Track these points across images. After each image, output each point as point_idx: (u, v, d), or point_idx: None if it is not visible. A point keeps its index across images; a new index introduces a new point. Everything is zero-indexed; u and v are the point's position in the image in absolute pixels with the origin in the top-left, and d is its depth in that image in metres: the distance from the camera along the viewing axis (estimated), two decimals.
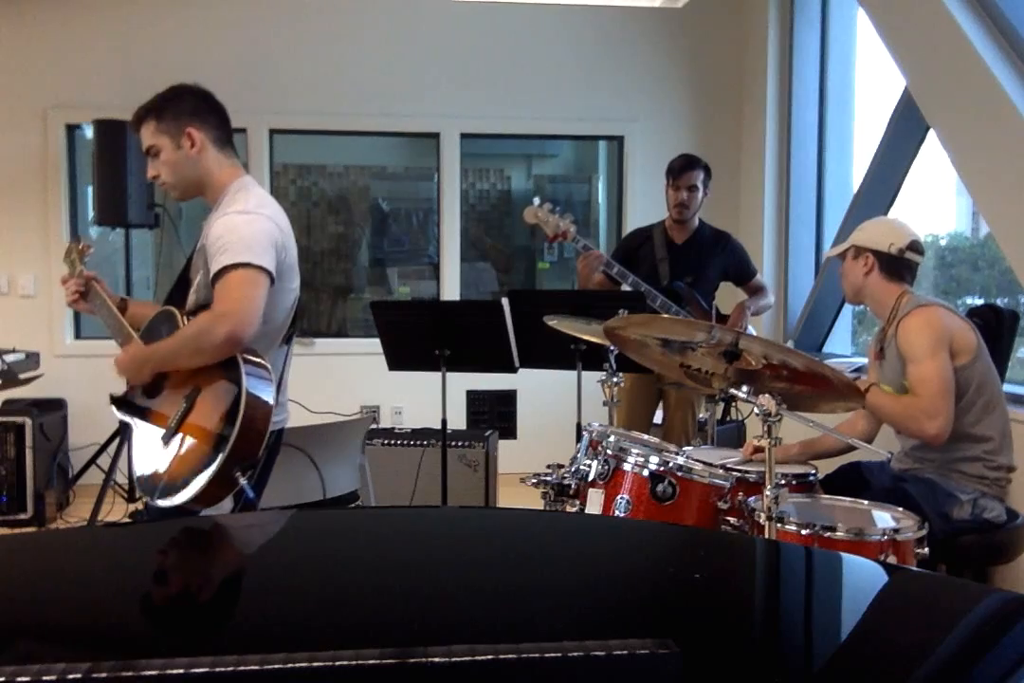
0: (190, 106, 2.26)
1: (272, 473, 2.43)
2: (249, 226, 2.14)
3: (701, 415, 4.04)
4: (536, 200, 3.78)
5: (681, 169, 3.87)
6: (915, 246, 2.71)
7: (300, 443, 2.89)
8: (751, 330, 3.95)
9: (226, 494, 2.05)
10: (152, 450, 2.16)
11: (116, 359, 2.26)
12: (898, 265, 2.70)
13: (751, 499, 2.34)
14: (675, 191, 3.88)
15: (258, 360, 2.12)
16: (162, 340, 2.19)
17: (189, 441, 2.09)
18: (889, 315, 2.71)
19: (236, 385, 2.04)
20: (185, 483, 2.03)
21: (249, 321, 2.05)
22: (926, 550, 2.23)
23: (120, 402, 2.33)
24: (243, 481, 2.01)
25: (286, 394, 2.40)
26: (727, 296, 4.12)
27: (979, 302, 4.27)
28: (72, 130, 5.29)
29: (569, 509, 2.72)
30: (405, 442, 3.96)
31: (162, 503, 2.07)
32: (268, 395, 2.07)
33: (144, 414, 2.24)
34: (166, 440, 2.12)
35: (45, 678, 0.84)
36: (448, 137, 5.52)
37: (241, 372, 2.04)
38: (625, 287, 3.78)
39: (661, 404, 4.04)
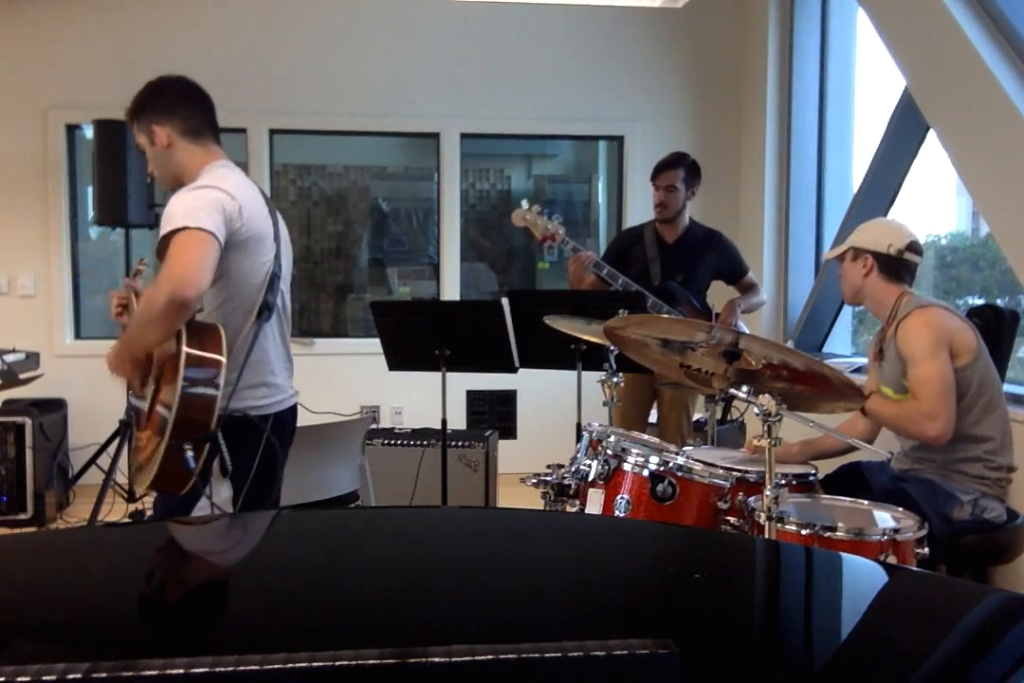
0: (159, 103, 2.32)
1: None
2: (192, 196, 2.16)
3: (700, 415, 4.04)
4: (524, 203, 3.77)
5: (660, 169, 3.89)
6: (914, 247, 2.71)
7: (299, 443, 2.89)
8: (743, 327, 3.96)
9: (182, 469, 2.02)
10: (137, 439, 2.20)
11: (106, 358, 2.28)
12: (897, 266, 2.70)
13: (751, 499, 2.34)
14: (655, 191, 3.90)
15: (210, 328, 2.12)
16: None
17: (154, 423, 2.11)
18: (889, 316, 2.71)
19: (177, 365, 2.04)
20: (150, 464, 2.05)
21: (190, 281, 2.02)
22: (926, 550, 2.23)
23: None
24: (189, 453, 2.00)
25: (278, 374, 2.36)
26: (720, 294, 4.11)
27: (979, 302, 4.27)
28: (72, 130, 5.29)
29: (569, 509, 2.71)
30: (405, 442, 3.96)
31: (139, 490, 2.10)
32: (207, 371, 2.06)
33: (136, 405, 2.28)
34: (142, 427, 2.16)
35: (45, 678, 0.84)
36: (448, 137, 5.51)
37: (182, 345, 2.04)
38: (616, 288, 3.78)
39: (656, 404, 4.04)
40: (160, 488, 2.10)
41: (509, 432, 5.01)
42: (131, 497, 4.60)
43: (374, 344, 3.67)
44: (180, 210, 2.11)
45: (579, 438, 2.98)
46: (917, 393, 2.55)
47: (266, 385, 2.30)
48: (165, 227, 2.11)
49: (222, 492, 2.16)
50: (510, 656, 0.94)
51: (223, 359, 2.08)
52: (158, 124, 2.30)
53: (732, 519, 2.43)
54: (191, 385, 2.03)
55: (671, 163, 3.90)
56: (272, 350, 2.34)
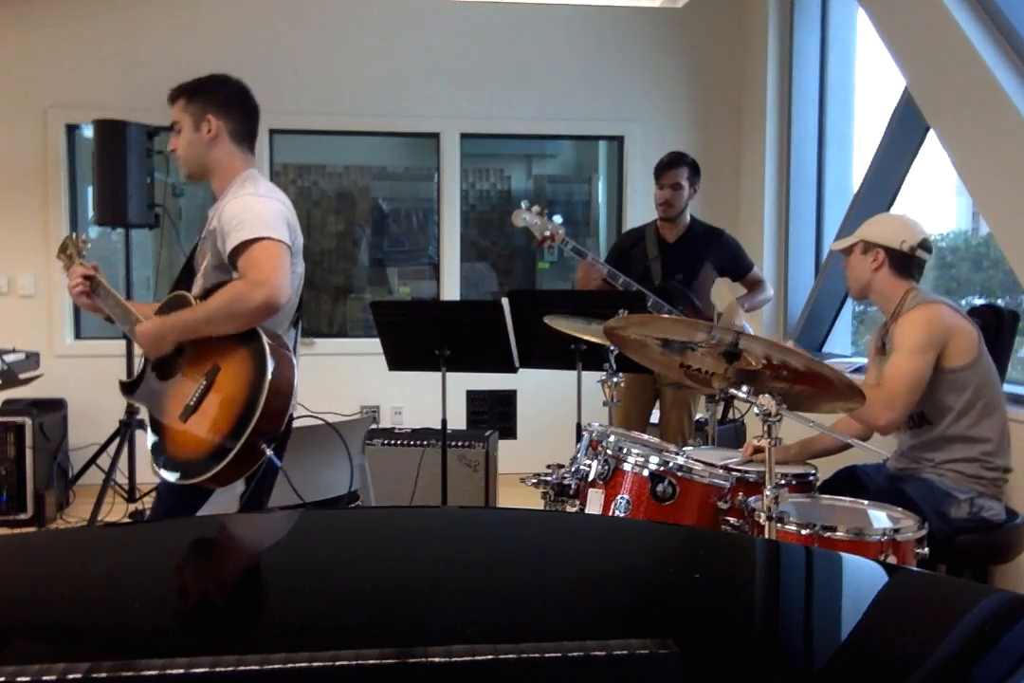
0: (221, 96, 2.36)
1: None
2: (263, 206, 2.22)
3: (700, 415, 4.04)
4: (524, 204, 3.78)
5: (664, 167, 3.89)
6: (925, 244, 2.70)
7: (299, 443, 2.89)
8: (747, 327, 3.96)
9: (250, 466, 2.10)
10: (173, 429, 2.21)
11: (137, 330, 2.30)
12: (908, 263, 2.69)
13: (751, 499, 2.34)
14: (659, 189, 3.90)
15: (277, 335, 2.20)
16: (185, 309, 2.24)
17: (211, 417, 2.13)
18: (894, 311, 2.71)
19: (260, 359, 2.10)
20: (211, 458, 2.08)
21: (283, 289, 2.12)
22: (926, 550, 2.23)
23: (129, 387, 2.39)
24: (269, 451, 2.07)
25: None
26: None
27: (980, 302, 4.27)
28: (72, 130, 5.29)
29: (569, 509, 2.71)
30: (405, 442, 3.96)
31: (186, 481, 2.12)
32: (290, 369, 2.15)
33: (159, 396, 2.28)
34: (184, 418, 2.17)
35: (45, 678, 0.84)
36: (448, 137, 5.52)
37: (265, 346, 2.11)
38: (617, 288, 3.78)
39: (658, 404, 4.04)
40: (213, 481, 2.12)
41: (509, 432, 5.02)
42: (131, 497, 4.60)
43: (374, 344, 3.67)
44: (257, 219, 2.17)
45: (579, 438, 2.98)
46: (886, 380, 2.55)
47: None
48: (240, 232, 2.15)
49: (235, 487, 2.19)
50: (510, 656, 0.94)
51: (295, 361, 2.18)
52: (215, 115, 2.33)
53: (732, 519, 2.42)
54: (277, 385, 2.08)
55: (675, 161, 3.90)
56: (295, 354, 2.41)
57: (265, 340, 2.13)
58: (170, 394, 2.25)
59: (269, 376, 2.07)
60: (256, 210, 2.20)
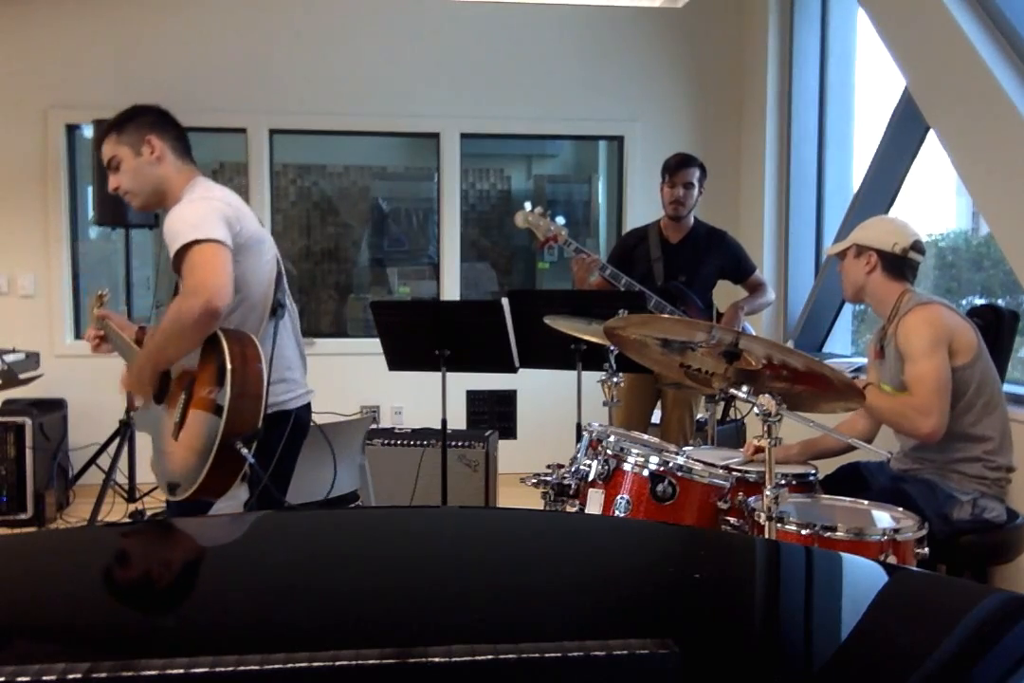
0: (151, 118, 2.38)
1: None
2: (191, 209, 2.22)
3: (700, 415, 4.04)
4: (528, 205, 3.78)
5: (677, 166, 3.88)
6: (917, 246, 2.71)
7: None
8: (749, 329, 3.95)
9: (237, 471, 2.09)
10: (168, 449, 2.23)
11: (120, 381, 2.34)
12: (901, 265, 2.70)
13: (751, 499, 2.34)
14: (671, 188, 3.89)
15: (245, 335, 2.19)
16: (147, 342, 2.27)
17: (194, 427, 2.14)
18: (890, 313, 2.71)
19: (220, 363, 2.10)
20: (196, 468, 2.09)
21: (219, 290, 2.08)
22: (926, 550, 2.23)
23: (138, 417, 2.45)
24: (244, 450, 2.05)
25: (294, 370, 2.43)
26: (729, 294, 4.12)
27: (980, 302, 4.27)
28: (72, 130, 5.29)
29: (569, 509, 2.71)
30: (405, 442, 3.96)
31: (180, 497, 2.13)
32: (256, 370, 2.13)
33: (159, 420, 2.31)
34: (176, 435, 2.19)
35: (45, 678, 0.84)
36: (448, 137, 5.51)
37: (224, 349, 2.10)
38: (619, 288, 3.78)
39: (659, 404, 4.04)
40: (205, 491, 2.12)
41: (509, 432, 5.02)
42: (131, 497, 4.60)
43: (374, 344, 3.67)
44: (185, 225, 2.16)
45: (579, 438, 2.98)
46: (912, 389, 2.55)
47: (284, 381, 2.35)
48: (175, 242, 2.15)
49: (239, 495, 2.19)
50: (510, 656, 0.94)
51: (264, 357, 2.17)
52: (154, 135, 2.34)
53: (732, 519, 2.43)
54: (241, 383, 2.08)
55: (688, 161, 3.90)
56: (288, 346, 2.40)
57: (224, 343, 2.11)
58: (166, 415, 2.28)
59: (229, 378, 2.06)
60: (184, 217, 2.19)
